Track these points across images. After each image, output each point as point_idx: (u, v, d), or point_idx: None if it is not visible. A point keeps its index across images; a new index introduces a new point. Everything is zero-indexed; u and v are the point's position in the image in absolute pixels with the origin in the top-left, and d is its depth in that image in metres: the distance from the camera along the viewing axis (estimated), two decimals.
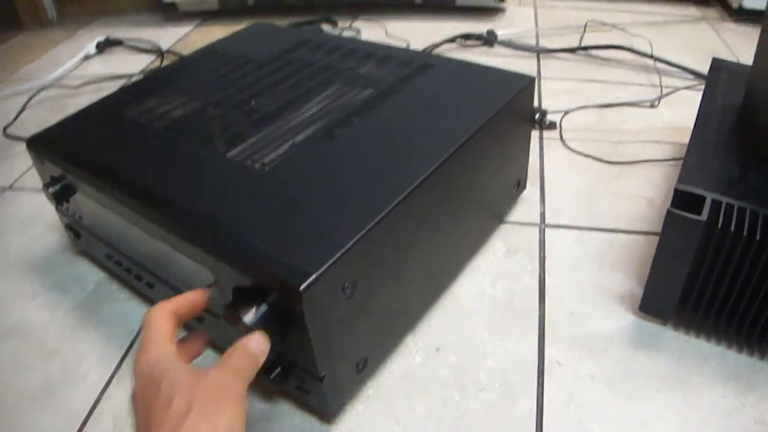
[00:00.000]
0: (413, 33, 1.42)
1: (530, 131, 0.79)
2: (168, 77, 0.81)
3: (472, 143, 0.63)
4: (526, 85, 0.73)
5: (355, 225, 0.51)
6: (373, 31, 1.46)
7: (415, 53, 0.83)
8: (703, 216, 0.57)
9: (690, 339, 0.66)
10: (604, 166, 0.93)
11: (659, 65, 1.23)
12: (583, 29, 1.40)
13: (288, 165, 0.60)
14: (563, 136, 1.00)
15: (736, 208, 0.57)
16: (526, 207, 0.85)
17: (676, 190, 0.60)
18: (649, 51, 1.27)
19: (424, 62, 0.78)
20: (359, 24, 1.52)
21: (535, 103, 1.08)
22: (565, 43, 1.33)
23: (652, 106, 1.09)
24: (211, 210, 0.55)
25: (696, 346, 0.65)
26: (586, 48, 1.30)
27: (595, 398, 0.60)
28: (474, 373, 0.63)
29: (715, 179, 0.61)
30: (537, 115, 0.97)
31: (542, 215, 0.83)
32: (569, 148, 0.97)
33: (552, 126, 1.00)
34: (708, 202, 0.58)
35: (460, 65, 0.78)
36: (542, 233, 0.80)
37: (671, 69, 1.21)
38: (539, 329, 0.68)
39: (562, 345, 0.66)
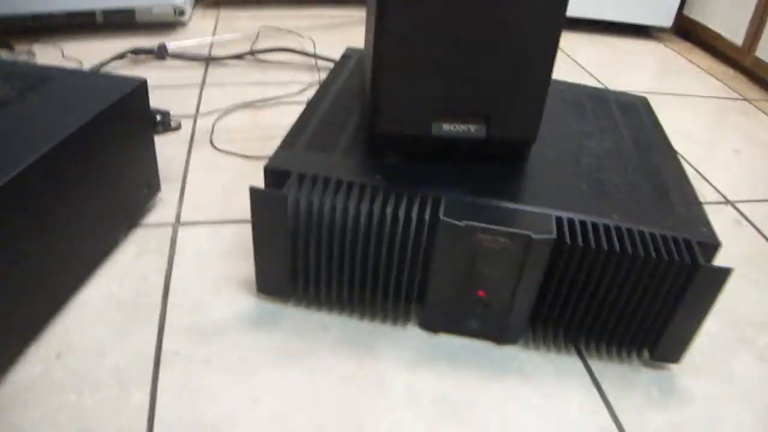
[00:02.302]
0: (91, 52, 1.44)
1: (151, 132, 0.85)
2: None
3: (69, 146, 0.67)
4: (134, 88, 0.79)
5: None
6: (49, 53, 1.45)
7: (40, 68, 0.85)
8: (287, 190, 0.65)
9: (311, 312, 0.75)
10: (247, 162, 1.02)
11: (320, 62, 1.36)
12: (256, 36, 1.50)
13: None
14: (213, 138, 1.08)
15: (321, 180, 0.67)
16: (163, 209, 0.91)
17: (264, 170, 0.68)
18: (313, 51, 1.39)
19: (42, 76, 0.81)
20: (37, 47, 1.50)
21: (190, 110, 1.16)
22: (237, 51, 1.43)
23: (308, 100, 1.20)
24: None
25: (315, 318, 0.75)
26: (253, 53, 1.40)
27: (210, 382, 0.66)
28: (92, 373, 0.67)
29: (305, 157, 0.71)
30: (158, 117, 1.03)
31: (178, 215, 0.90)
32: (218, 149, 1.05)
33: (176, 128, 1.07)
34: (294, 178, 0.67)
35: (77, 75, 0.81)
36: (175, 232, 0.87)
37: (332, 64, 1.35)
38: (159, 323, 0.73)
39: (182, 335, 0.71)
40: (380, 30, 0.63)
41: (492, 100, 0.67)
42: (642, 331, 0.69)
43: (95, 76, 0.81)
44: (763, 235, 1.03)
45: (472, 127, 0.68)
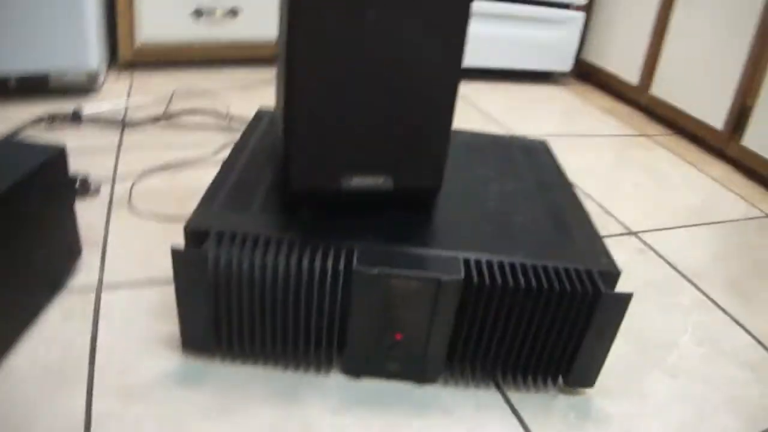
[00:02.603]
0: (5, 118, 1.43)
1: (71, 198, 0.86)
2: None
3: None
4: (52, 155, 0.80)
5: None
6: None
7: None
8: (207, 249, 0.68)
9: (237, 366, 0.78)
10: (166, 223, 1.04)
11: (234, 123, 1.40)
12: (170, 99, 1.53)
13: None
14: (131, 202, 1.09)
15: (241, 237, 0.70)
16: (86, 273, 0.92)
17: (184, 230, 0.71)
18: (227, 112, 1.43)
19: None
20: None
21: (107, 175, 1.18)
22: (152, 114, 1.45)
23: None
24: None
25: (241, 372, 0.77)
26: (168, 116, 1.42)
27: None
28: None
29: (222, 216, 0.74)
30: (78, 182, 1.05)
31: (100, 279, 0.91)
32: (137, 213, 1.07)
33: (96, 192, 1.09)
34: (213, 236, 0.70)
35: None
36: (98, 295, 0.88)
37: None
38: (88, 386, 0.74)
39: (111, 397, 0.72)
40: (290, 92, 0.67)
41: (397, 153, 0.72)
42: (555, 359, 0.73)
43: (13, 144, 0.82)
44: (666, 261, 1.11)
45: (381, 179, 0.73)
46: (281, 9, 0.73)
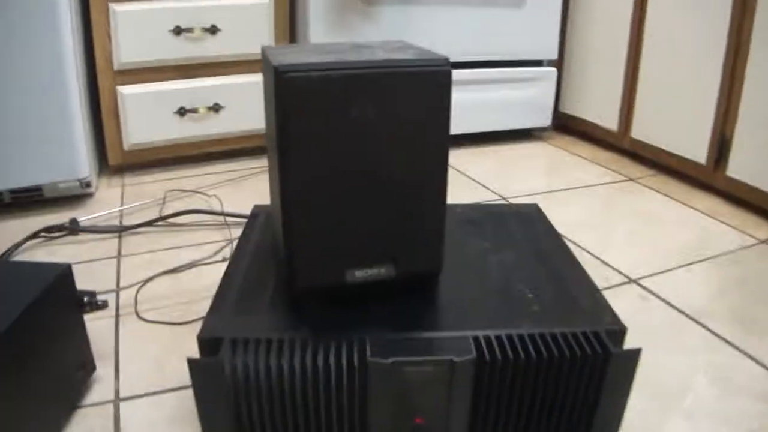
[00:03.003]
0: (2, 234, 1.46)
1: (80, 315, 0.88)
2: None
3: (4, 340, 0.70)
4: (59, 274, 0.83)
5: None
6: None
7: None
8: (222, 357, 0.70)
9: None
10: (175, 328, 1.06)
11: (230, 219, 1.43)
12: (163, 201, 1.56)
13: None
14: (138, 309, 1.11)
15: (253, 342, 0.72)
16: (101, 387, 0.93)
17: (198, 339, 0.73)
18: (221, 208, 1.46)
19: None
20: None
21: (111, 283, 1.20)
22: (147, 217, 1.48)
23: (224, 259, 1.26)
24: None
25: None
26: (164, 218, 1.46)
27: None
28: None
29: (233, 321, 0.76)
30: (86, 298, 1.07)
31: (117, 391, 0.92)
32: (144, 320, 1.09)
33: (104, 306, 1.11)
34: (227, 344, 0.72)
35: (1, 267, 0.85)
36: (117, 409, 0.89)
37: (242, 221, 1.42)
38: None
39: None
40: (284, 196, 0.71)
41: (396, 242, 0.75)
42: (573, 422, 0.75)
43: (20, 266, 0.86)
44: (668, 304, 1.13)
45: (383, 269, 0.75)
46: (267, 112, 0.77)
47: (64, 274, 0.84)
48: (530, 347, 0.71)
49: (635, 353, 0.70)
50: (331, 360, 0.69)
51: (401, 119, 0.70)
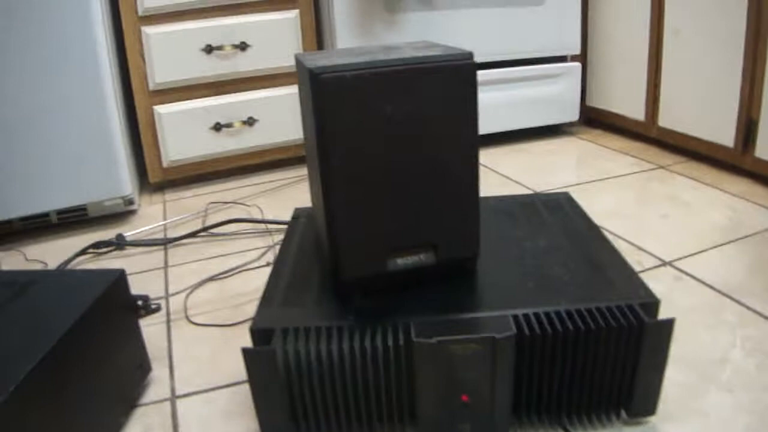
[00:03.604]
0: (52, 252, 1.53)
1: (135, 318, 0.94)
2: None
3: (66, 344, 0.75)
4: (114, 279, 0.88)
5: None
6: (12, 258, 1.53)
7: (24, 273, 0.93)
8: (275, 345, 0.74)
9: None
10: (225, 330, 1.11)
11: (271, 226, 1.49)
12: (204, 213, 1.63)
13: None
14: (188, 314, 1.17)
15: (301, 330, 0.77)
16: (157, 386, 0.98)
17: (251, 330, 0.78)
18: (261, 217, 1.52)
19: (28, 280, 0.89)
20: None
21: (160, 292, 1.26)
22: (190, 230, 1.54)
23: (269, 263, 1.32)
24: None
25: None
26: (206, 229, 1.52)
27: None
28: None
29: (283, 313, 0.81)
30: (139, 302, 1.13)
31: (172, 389, 0.97)
32: (194, 323, 1.14)
33: (157, 310, 1.17)
34: (279, 333, 0.76)
35: (58, 275, 0.91)
36: (174, 406, 0.94)
37: (283, 227, 1.47)
38: None
39: None
40: (327, 191, 0.75)
41: (434, 229, 0.79)
42: (614, 393, 0.78)
43: (77, 274, 0.90)
44: (704, 283, 1.15)
45: (423, 256, 0.80)
46: (305, 117, 0.82)
47: (118, 279, 0.89)
48: (567, 322, 0.74)
49: (669, 323, 0.74)
50: (378, 342, 0.73)
51: (432, 112, 0.74)
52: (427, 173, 0.75)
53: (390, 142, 0.73)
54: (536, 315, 0.75)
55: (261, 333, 0.76)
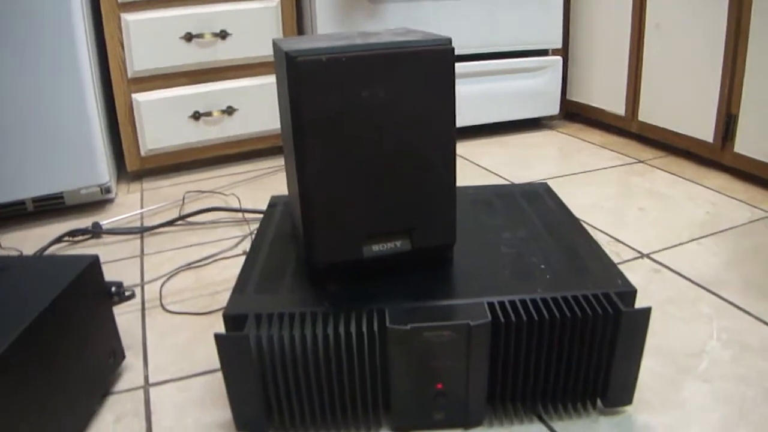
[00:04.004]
0: (27, 240, 1.51)
1: (109, 305, 0.92)
2: None
3: (37, 328, 0.74)
4: (87, 265, 0.86)
5: None
6: None
7: None
8: (248, 331, 0.73)
9: None
10: (199, 318, 1.09)
11: (248, 215, 1.47)
12: (182, 202, 1.61)
13: None
14: (163, 302, 1.15)
15: (280, 315, 0.76)
16: (131, 374, 0.97)
17: (224, 317, 0.76)
18: (238, 206, 1.50)
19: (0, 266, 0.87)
20: None
21: (136, 280, 1.24)
22: (167, 218, 1.52)
23: (245, 252, 1.30)
24: None
25: None
26: (183, 217, 1.50)
27: None
28: None
29: (256, 299, 0.80)
30: (113, 289, 1.11)
31: (146, 377, 0.96)
32: (169, 311, 1.12)
33: (131, 297, 1.15)
34: (252, 319, 0.75)
35: (30, 261, 0.90)
36: (147, 393, 0.93)
37: (260, 216, 1.45)
38: None
39: None
40: (301, 175, 0.74)
41: (410, 216, 0.78)
42: (590, 382, 0.78)
43: (49, 260, 0.89)
44: (681, 275, 1.16)
45: (398, 243, 0.79)
46: (281, 102, 0.80)
47: (91, 265, 0.87)
48: (543, 310, 0.73)
49: (646, 312, 0.73)
50: (352, 328, 0.72)
51: (409, 98, 0.73)
52: (403, 159, 0.74)
53: (366, 127, 0.73)
54: (512, 302, 0.74)
55: (234, 319, 0.75)
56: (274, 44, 0.81)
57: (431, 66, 0.73)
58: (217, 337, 0.72)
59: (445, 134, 0.76)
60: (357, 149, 0.73)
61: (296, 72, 0.69)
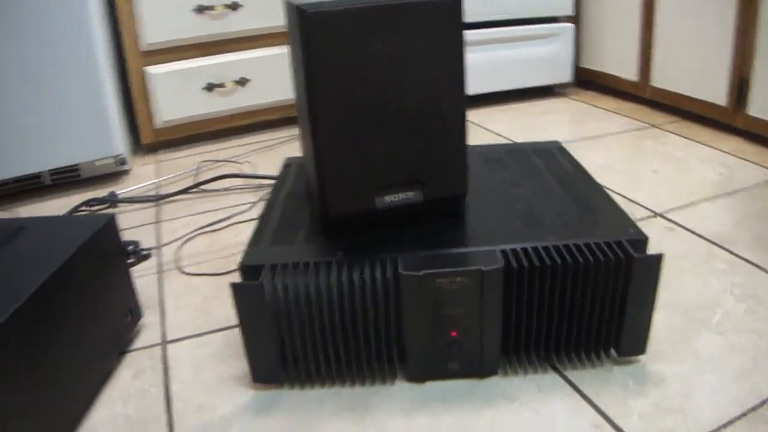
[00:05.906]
0: (45, 212, 1.52)
1: (125, 263, 0.93)
2: None
3: (54, 284, 0.74)
4: (104, 223, 0.87)
5: None
6: (5, 218, 1.51)
7: (12, 220, 0.94)
8: (263, 279, 0.73)
9: (306, 391, 0.82)
10: (216, 279, 1.10)
11: (263, 182, 1.48)
12: (196, 171, 1.61)
13: None
14: (179, 264, 1.16)
15: (293, 265, 0.76)
16: (148, 332, 0.98)
17: (240, 267, 0.77)
18: (253, 173, 1.52)
19: (18, 226, 0.89)
20: None
21: (152, 244, 1.26)
22: (182, 187, 1.53)
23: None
24: None
25: (312, 395, 0.81)
26: (198, 185, 1.50)
27: None
28: None
29: (272, 251, 0.80)
30: (130, 248, 1.12)
31: (163, 334, 0.97)
32: (185, 273, 1.13)
33: (147, 257, 1.16)
34: (267, 268, 0.75)
35: (47, 221, 0.90)
36: (164, 350, 0.94)
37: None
38: (168, 430, 0.79)
39: None
40: (314, 128, 0.74)
41: (422, 167, 0.78)
42: (603, 331, 0.78)
43: (66, 219, 0.89)
44: (694, 233, 1.15)
45: (410, 194, 0.79)
46: (293, 56, 0.80)
47: (108, 223, 0.88)
48: (555, 256, 0.73)
49: (657, 258, 0.73)
50: (366, 275, 0.72)
51: (420, 49, 0.73)
52: (414, 110, 0.74)
53: (377, 79, 0.73)
54: (524, 250, 0.74)
55: (250, 269, 0.75)
56: (287, 4, 0.81)
57: (440, 16, 0.73)
58: (234, 286, 0.72)
59: (455, 85, 0.76)
60: (368, 101, 0.73)
61: (308, 24, 0.69)
